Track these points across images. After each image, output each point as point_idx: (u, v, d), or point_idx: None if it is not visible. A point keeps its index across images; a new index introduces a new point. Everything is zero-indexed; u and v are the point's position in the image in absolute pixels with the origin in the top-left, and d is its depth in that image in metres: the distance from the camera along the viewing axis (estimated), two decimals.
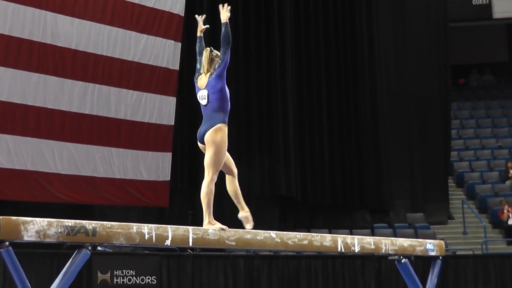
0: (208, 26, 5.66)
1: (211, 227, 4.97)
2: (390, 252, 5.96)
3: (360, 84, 16.20)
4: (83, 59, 11.78)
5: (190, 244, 4.70)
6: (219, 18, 5.48)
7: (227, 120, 5.33)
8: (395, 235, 14.03)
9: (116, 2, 12.14)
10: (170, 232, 4.55)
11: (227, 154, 5.39)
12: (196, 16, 5.71)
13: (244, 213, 5.45)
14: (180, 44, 12.94)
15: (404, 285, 6.94)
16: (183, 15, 12.94)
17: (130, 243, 4.38)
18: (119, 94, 12.20)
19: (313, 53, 15.65)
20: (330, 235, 5.77)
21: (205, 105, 5.37)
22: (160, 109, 12.70)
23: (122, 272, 10.65)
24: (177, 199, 13.67)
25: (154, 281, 10.78)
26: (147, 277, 10.76)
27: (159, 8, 12.62)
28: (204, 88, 5.40)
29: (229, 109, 5.37)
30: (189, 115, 14.06)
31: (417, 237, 13.58)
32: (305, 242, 5.34)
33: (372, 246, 5.80)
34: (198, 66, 5.53)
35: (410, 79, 16.87)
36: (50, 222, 3.98)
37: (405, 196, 16.22)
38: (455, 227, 16.05)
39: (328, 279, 11.71)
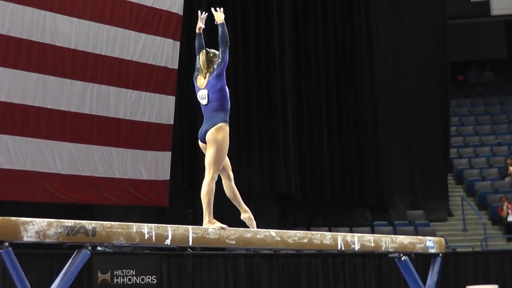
0: (204, 26, 5.64)
1: (211, 226, 4.98)
2: (390, 249, 5.97)
3: (359, 82, 16.20)
4: (82, 58, 11.77)
5: (190, 244, 4.70)
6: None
7: (228, 119, 5.33)
8: (395, 232, 14.04)
9: (115, 1, 12.13)
10: (170, 232, 4.55)
11: (226, 157, 5.40)
12: (199, 12, 5.69)
13: (246, 214, 5.49)
14: (179, 43, 12.94)
15: (404, 282, 6.95)
16: (181, 14, 12.93)
17: (130, 242, 4.39)
18: (118, 94, 12.20)
19: (312, 51, 15.65)
20: (330, 233, 5.78)
21: (206, 105, 5.37)
22: (159, 108, 12.70)
23: (122, 272, 10.65)
24: (177, 198, 13.67)
25: (154, 281, 10.78)
26: (147, 277, 10.76)
27: (157, 7, 12.62)
28: (204, 88, 5.40)
29: (229, 108, 5.38)
30: (189, 114, 14.06)
31: (417, 235, 13.60)
32: (305, 240, 5.35)
33: (372, 244, 5.81)
34: (197, 64, 5.52)
35: (409, 76, 16.89)
36: (49, 223, 3.99)
37: (404, 194, 16.24)
38: (454, 224, 16.07)
39: (329, 277, 11.72)
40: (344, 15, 16.21)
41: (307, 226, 14.54)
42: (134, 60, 12.39)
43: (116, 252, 10.98)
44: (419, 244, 6.21)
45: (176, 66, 12.89)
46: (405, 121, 16.70)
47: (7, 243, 3.94)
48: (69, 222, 4.06)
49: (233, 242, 4.91)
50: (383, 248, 5.90)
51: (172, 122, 12.90)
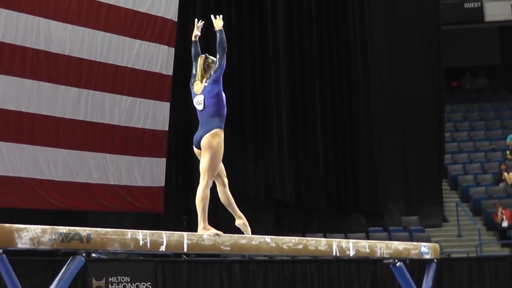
0: (200, 34, 5.63)
1: (206, 233, 4.97)
2: (385, 255, 5.97)
3: (353, 86, 16.23)
4: (77, 65, 11.77)
5: (185, 250, 4.69)
6: (212, 25, 5.48)
7: (223, 125, 5.33)
8: (389, 238, 14.05)
9: (110, 7, 12.14)
10: (165, 238, 4.55)
11: (221, 163, 5.40)
12: (195, 20, 5.69)
13: (241, 220, 5.49)
14: (173, 49, 12.95)
15: None
16: (176, 20, 12.95)
17: (124, 249, 4.38)
18: (113, 100, 12.20)
19: (306, 56, 15.68)
20: (325, 239, 5.78)
21: (201, 110, 5.35)
22: (154, 115, 12.70)
23: (117, 279, 10.62)
24: (172, 205, 13.66)
25: (149, 287, 10.76)
26: (142, 284, 10.73)
27: (152, 13, 12.63)
28: (201, 93, 5.38)
29: (225, 114, 5.37)
30: (183, 120, 14.06)
31: (411, 240, 13.61)
32: (300, 246, 5.35)
33: (367, 250, 5.81)
34: (193, 71, 5.51)
35: (403, 82, 16.92)
36: (44, 229, 3.97)
37: (399, 199, 16.25)
38: (449, 229, 16.08)
39: (324, 283, 11.72)
40: (339, 20, 16.24)
41: (302, 232, 14.54)
42: (128, 66, 12.39)
43: (111, 259, 10.95)
44: (413, 250, 6.22)
45: (170, 72, 12.91)
46: (400, 126, 16.73)
47: (1, 250, 3.92)
48: (64, 229, 4.05)
49: (228, 248, 4.91)
50: (378, 254, 5.90)
51: (167, 128, 12.90)
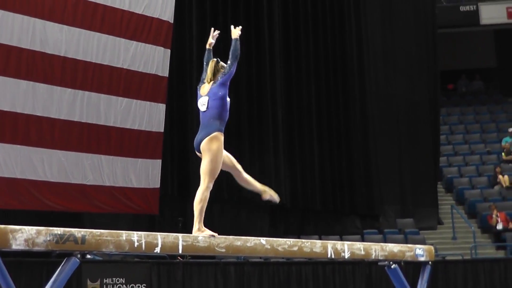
0: (214, 42, 5.71)
1: (201, 234, 4.98)
2: (380, 257, 5.98)
3: (349, 89, 16.25)
4: (72, 66, 11.74)
5: (180, 252, 4.69)
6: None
7: (223, 129, 5.42)
8: (385, 240, 14.06)
9: (105, 9, 12.12)
10: (160, 240, 4.54)
11: (228, 153, 5.54)
12: (212, 29, 5.80)
13: (266, 193, 5.63)
14: (169, 51, 12.93)
15: None
16: (172, 22, 12.93)
17: (119, 251, 4.37)
18: (108, 101, 12.18)
19: (302, 58, 15.68)
20: (320, 241, 5.78)
21: (204, 111, 5.43)
22: (149, 116, 12.68)
23: (112, 280, 10.60)
24: (167, 206, 13.64)
25: None
26: (137, 285, 10.71)
27: (148, 15, 12.61)
28: (206, 95, 5.47)
29: (227, 118, 5.48)
30: (179, 122, 14.05)
31: (406, 243, 13.61)
32: (295, 248, 5.35)
33: (362, 252, 5.82)
34: (203, 75, 5.61)
35: (399, 85, 16.95)
36: (38, 231, 3.97)
37: (394, 202, 16.27)
38: (444, 232, 16.11)
39: (319, 285, 11.72)
40: (335, 23, 16.26)
41: (298, 234, 14.53)
42: (124, 67, 12.37)
43: (106, 260, 10.94)
44: (408, 252, 6.22)
45: (166, 74, 12.89)
46: (395, 129, 16.76)
47: None
48: (58, 230, 4.04)
49: (223, 250, 4.90)
50: (373, 256, 5.91)
51: (162, 130, 12.88)
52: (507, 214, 15.47)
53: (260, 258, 11.51)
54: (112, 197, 12.06)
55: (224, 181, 14.43)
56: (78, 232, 4.13)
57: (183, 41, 14.02)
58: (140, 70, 12.53)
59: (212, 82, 5.49)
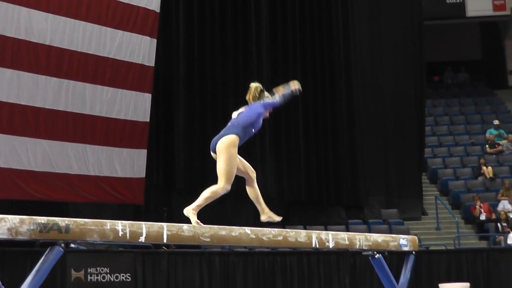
0: None
1: (190, 215, 5.10)
2: (364, 247, 6.01)
3: (336, 81, 16.26)
4: (58, 55, 11.67)
5: (165, 241, 4.69)
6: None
7: (241, 137, 5.60)
8: (369, 231, 14.12)
9: None
10: (145, 229, 4.54)
11: (242, 159, 5.69)
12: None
13: (265, 215, 5.77)
14: (155, 40, 12.88)
15: (378, 280, 7.01)
16: (158, 11, 12.87)
17: (103, 240, 4.36)
18: (94, 91, 12.12)
19: (289, 51, 15.68)
20: (305, 231, 5.80)
21: (234, 118, 5.70)
22: (135, 106, 12.64)
23: (96, 270, 10.59)
24: (152, 197, 13.63)
25: (128, 279, 10.74)
26: (121, 275, 10.71)
27: (134, 4, 12.55)
28: (243, 108, 5.80)
29: (249, 134, 5.70)
30: (165, 112, 14.02)
31: (391, 233, 13.68)
32: (280, 238, 5.36)
33: (346, 242, 5.84)
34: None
35: (385, 77, 16.99)
36: (22, 220, 3.94)
37: (379, 193, 16.34)
38: (428, 222, 16.21)
39: (304, 275, 11.77)
40: (322, 16, 16.25)
41: (283, 224, 14.55)
42: (110, 57, 12.31)
43: (90, 250, 10.92)
44: (392, 242, 6.26)
45: (152, 64, 12.84)
46: (381, 120, 16.81)
47: None
48: (42, 219, 4.02)
49: (208, 239, 4.91)
50: (357, 246, 5.94)
51: (148, 120, 12.85)
52: (490, 205, 15.59)
53: (245, 248, 11.54)
54: (97, 186, 12.04)
55: (210, 172, 14.46)
56: (62, 221, 4.12)
57: (170, 30, 13.97)
58: (126, 60, 12.48)
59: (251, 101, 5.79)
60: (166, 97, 14.01)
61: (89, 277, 10.52)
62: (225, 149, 5.42)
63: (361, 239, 5.96)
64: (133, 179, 12.55)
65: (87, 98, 12.04)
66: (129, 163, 12.51)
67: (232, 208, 14.67)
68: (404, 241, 6.34)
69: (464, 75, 24.32)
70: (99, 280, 10.57)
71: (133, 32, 12.56)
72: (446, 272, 12.21)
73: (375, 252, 6.23)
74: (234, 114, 5.72)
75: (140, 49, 12.64)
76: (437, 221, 15.88)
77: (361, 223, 15.28)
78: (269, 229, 5.43)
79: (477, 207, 15.47)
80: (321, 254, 11.82)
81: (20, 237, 3.93)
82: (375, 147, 16.55)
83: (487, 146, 18.75)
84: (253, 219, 14.55)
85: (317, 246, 5.61)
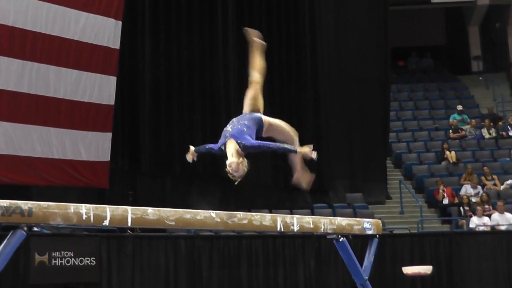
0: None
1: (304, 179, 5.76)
2: (328, 231, 6.05)
3: (301, 66, 16.27)
4: (21, 36, 11.48)
5: (129, 224, 4.66)
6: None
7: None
8: (334, 214, 14.24)
9: None
10: (109, 212, 4.50)
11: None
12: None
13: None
14: (120, 22, 12.75)
15: (342, 263, 7.08)
16: None
17: (67, 223, 4.32)
18: (58, 73, 11.97)
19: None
20: (270, 214, 5.83)
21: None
22: (100, 89, 12.52)
23: (61, 254, 10.50)
24: (117, 180, 13.54)
25: (93, 263, 10.68)
26: (86, 259, 10.65)
27: None
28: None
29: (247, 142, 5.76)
30: (130, 95, 13.91)
31: (355, 217, 13.81)
32: (245, 221, 5.38)
33: (311, 226, 5.88)
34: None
35: (351, 61, 17.05)
36: None
37: (344, 177, 16.44)
38: (392, 206, 16.39)
39: (269, 258, 11.84)
40: (288, 0, 16.21)
41: (248, 208, 14.60)
42: (74, 39, 12.16)
43: (54, 234, 10.82)
44: (356, 225, 6.32)
45: (117, 46, 12.71)
46: (346, 105, 16.88)
47: None
48: (4, 202, 3.97)
49: (173, 223, 4.89)
50: (322, 230, 5.98)
51: (113, 103, 12.74)
52: (453, 189, 15.83)
53: (211, 231, 11.56)
54: (61, 170, 11.92)
55: (176, 155, 14.41)
56: (24, 204, 4.07)
57: (135, 13, 13.82)
58: (90, 42, 12.33)
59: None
60: (132, 80, 13.90)
61: (53, 261, 10.44)
62: (268, 119, 5.73)
63: (326, 223, 6.01)
64: (98, 162, 12.45)
65: (51, 80, 11.89)
66: (93, 146, 12.41)
67: (198, 193, 14.65)
68: (368, 225, 6.41)
69: (429, 61, 24.56)
70: (63, 264, 10.50)
71: (98, 14, 12.40)
72: (410, 255, 12.38)
73: (339, 236, 6.28)
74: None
75: (105, 31, 12.50)
76: (401, 205, 16.07)
77: (326, 207, 15.38)
78: (235, 212, 5.44)
79: (440, 191, 15.68)
80: (286, 238, 11.90)
81: None
82: (340, 131, 16.64)
83: (450, 131, 19.01)
84: (219, 204, 14.60)
85: (282, 230, 5.64)
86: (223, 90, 14.76)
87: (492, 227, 13.80)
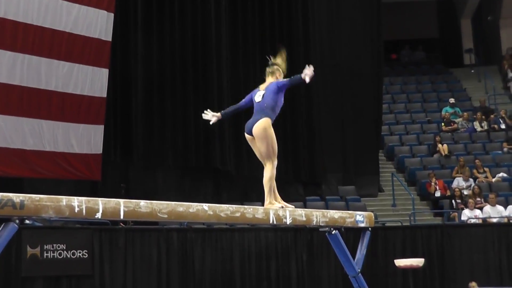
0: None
1: (272, 207, 5.76)
2: (321, 223, 6.05)
3: (294, 59, 16.23)
4: (12, 28, 11.42)
5: (122, 217, 4.64)
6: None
7: (273, 118, 6.15)
8: (327, 207, 14.26)
9: None
10: (101, 205, 4.49)
11: None
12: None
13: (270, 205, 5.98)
14: (112, 14, 12.70)
15: (335, 256, 7.09)
16: None
17: (59, 216, 4.31)
18: (50, 65, 11.91)
19: (248, 28, 15.60)
20: (262, 207, 5.83)
21: (258, 102, 6.11)
22: (92, 81, 12.47)
23: (53, 246, 10.49)
24: (109, 173, 13.51)
25: (85, 255, 10.66)
26: (78, 251, 10.63)
27: None
28: (263, 90, 6.17)
29: (277, 112, 6.20)
30: (122, 87, 13.86)
31: (348, 210, 13.84)
32: (238, 214, 5.37)
33: (304, 218, 5.88)
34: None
35: (343, 54, 17.04)
36: None
37: (337, 170, 16.46)
38: (385, 199, 16.43)
39: (261, 251, 11.85)
40: None
41: (241, 201, 14.60)
42: (66, 31, 12.10)
43: (46, 227, 10.80)
44: (349, 218, 6.32)
45: (109, 38, 12.67)
46: (339, 98, 16.89)
47: None
48: None
49: (165, 216, 4.88)
50: (314, 222, 5.98)
51: (105, 95, 12.70)
52: (445, 182, 15.87)
53: (203, 224, 11.56)
54: (53, 162, 11.88)
55: (169, 148, 14.39)
56: (16, 197, 4.05)
57: (127, 5, 13.77)
58: (82, 34, 12.28)
59: (268, 82, 6.20)
60: (124, 72, 13.85)
61: (45, 254, 10.42)
62: (264, 131, 6.08)
63: (318, 216, 6.01)
64: (90, 155, 12.42)
65: (43, 72, 11.83)
66: (85, 138, 12.37)
67: (191, 185, 14.65)
68: (360, 218, 6.41)
69: (421, 53, 24.60)
70: (56, 256, 10.48)
71: (90, 6, 12.35)
72: (402, 248, 12.42)
73: (331, 229, 6.29)
74: (257, 97, 6.13)
75: (97, 23, 12.44)
76: (393, 197, 16.11)
77: (319, 199, 15.41)
78: (227, 205, 5.43)
79: (432, 184, 15.73)
80: (279, 231, 11.91)
81: None
82: (332, 124, 16.65)
83: (442, 124, 19.05)
84: (212, 196, 14.60)
85: (275, 223, 5.64)
86: (216, 82, 14.72)
87: (484, 219, 13.85)
